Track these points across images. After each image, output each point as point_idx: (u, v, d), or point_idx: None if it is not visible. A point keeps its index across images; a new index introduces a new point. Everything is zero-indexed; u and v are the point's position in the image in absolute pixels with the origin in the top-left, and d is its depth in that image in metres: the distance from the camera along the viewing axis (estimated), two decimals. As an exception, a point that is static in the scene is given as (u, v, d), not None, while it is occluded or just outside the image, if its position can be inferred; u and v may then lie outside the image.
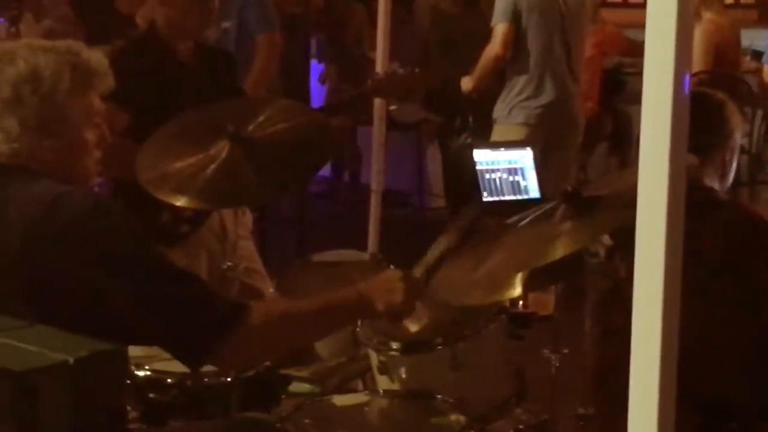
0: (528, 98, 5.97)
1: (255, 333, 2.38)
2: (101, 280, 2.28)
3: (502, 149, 4.56)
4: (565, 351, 3.00)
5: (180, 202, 3.16)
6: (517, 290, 2.72)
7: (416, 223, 8.09)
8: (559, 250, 2.53)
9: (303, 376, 3.03)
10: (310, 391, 2.99)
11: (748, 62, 8.40)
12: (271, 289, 3.95)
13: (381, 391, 2.90)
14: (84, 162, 2.49)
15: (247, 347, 2.40)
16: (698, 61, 7.04)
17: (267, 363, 2.87)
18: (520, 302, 3.17)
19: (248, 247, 4.25)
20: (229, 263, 3.72)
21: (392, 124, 5.68)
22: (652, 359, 1.50)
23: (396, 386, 2.89)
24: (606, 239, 2.68)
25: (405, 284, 2.61)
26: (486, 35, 6.07)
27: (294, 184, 4.18)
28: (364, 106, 4.98)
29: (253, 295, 3.83)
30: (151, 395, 2.83)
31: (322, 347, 3.34)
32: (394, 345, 2.90)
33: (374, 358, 2.95)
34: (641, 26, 1.52)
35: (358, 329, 3.02)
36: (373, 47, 5.46)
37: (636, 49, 7.52)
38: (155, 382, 2.84)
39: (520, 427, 3.03)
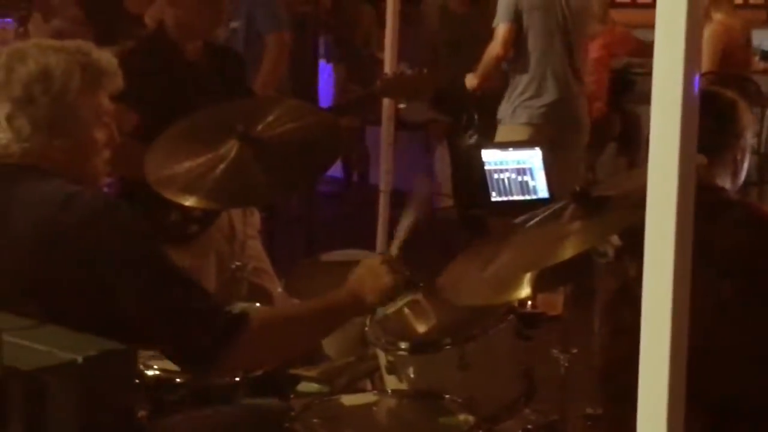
0: (530, 98, 5.98)
1: (254, 341, 2.42)
2: (109, 279, 2.29)
3: (511, 149, 4.55)
4: (574, 351, 3.00)
5: (189, 201, 3.17)
6: (526, 291, 2.72)
7: (425, 222, 8.08)
8: (568, 250, 2.53)
9: (311, 375, 3.03)
10: (319, 391, 2.99)
11: (756, 62, 8.39)
12: (280, 289, 3.96)
13: (389, 391, 2.90)
14: (93, 162, 2.50)
15: (246, 355, 2.44)
16: (705, 63, 7.03)
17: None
18: (529, 302, 3.17)
19: (256, 246, 4.26)
20: (238, 263, 3.73)
21: (401, 124, 5.68)
22: (662, 359, 1.49)
23: (404, 386, 2.89)
24: (615, 239, 2.68)
25: (388, 266, 2.67)
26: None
27: (302, 184, 4.18)
28: (372, 106, 4.99)
29: (261, 295, 3.83)
30: (160, 394, 2.83)
31: (330, 347, 3.34)
32: (403, 345, 2.90)
33: (383, 358, 2.94)
34: (650, 26, 1.51)
35: (366, 329, 3.01)
36: (382, 47, 5.46)
37: (645, 50, 7.52)
38: (164, 381, 2.84)
39: (529, 427, 3.03)
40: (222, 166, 3.16)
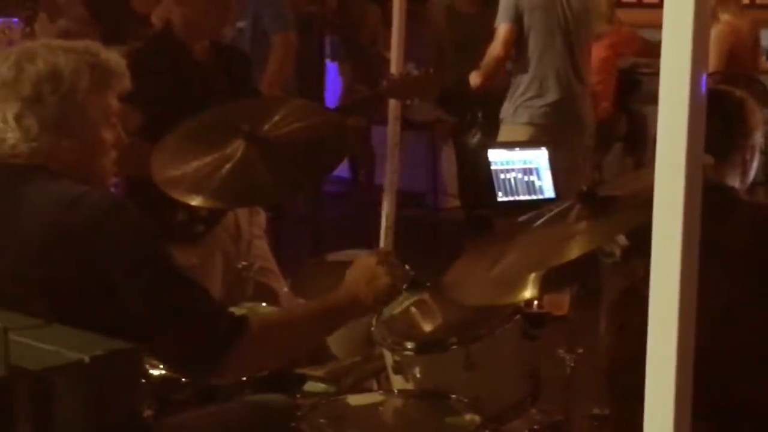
0: (531, 98, 5.99)
1: (254, 344, 2.42)
2: (114, 279, 2.29)
3: (517, 149, 4.55)
4: (580, 351, 3.00)
5: (195, 201, 3.17)
6: (532, 291, 2.71)
7: (431, 223, 8.09)
8: (575, 250, 2.53)
9: (318, 375, 3.03)
10: (325, 391, 2.99)
11: (764, 62, 8.38)
12: (286, 289, 3.96)
13: (396, 391, 2.90)
14: (101, 162, 2.50)
15: (246, 358, 2.44)
16: (712, 63, 7.03)
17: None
18: (535, 302, 3.17)
19: (262, 246, 4.26)
20: (244, 263, 3.74)
21: (406, 123, 5.67)
22: (668, 359, 1.49)
23: (411, 386, 2.89)
24: (621, 239, 2.67)
25: (384, 266, 2.67)
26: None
27: (309, 184, 4.19)
28: (378, 106, 4.99)
29: (267, 295, 3.84)
30: (166, 394, 2.83)
31: (336, 347, 3.34)
32: (409, 345, 2.90)
33: (389, 358, 2.95)
34: (657, 26, 1.51)
35: (373, 329, 3.02)
36: (388, 47, 5.45)
37: (651, 50, 7.51)
38: (170, 380, 2.84)
39: (535, 427, 3.03)
40: (228, 166, 3.16)
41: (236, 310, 2.67)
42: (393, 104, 5.00)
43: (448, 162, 8.36)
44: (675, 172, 1.48)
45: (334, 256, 3.89)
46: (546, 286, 2.70)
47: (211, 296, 2.46)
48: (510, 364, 2.94)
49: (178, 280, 2.39)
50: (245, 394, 2.86)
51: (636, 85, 8.11)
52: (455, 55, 7.27)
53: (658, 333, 1.50)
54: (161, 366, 2.85)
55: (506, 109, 6.09)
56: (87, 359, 1.89)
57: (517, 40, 5.98)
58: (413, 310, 3.03)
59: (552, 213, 2.78)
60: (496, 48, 6.01)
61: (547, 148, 4.56)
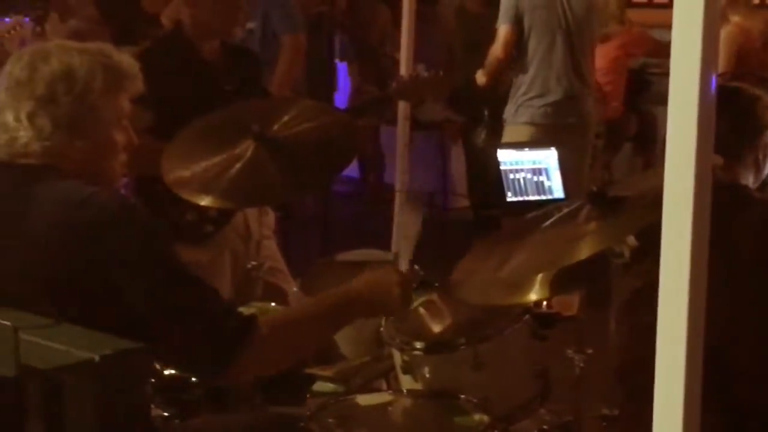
0: (532, 98, 5.99)
1: (263, 344, 2.41)
2: (123, 279, 2.29)
3: (526, 149, 4.56)
4: (589, 351, 3.00)
5: (204, 201, 3.17)
6: (542, 292, 2.71)
7: (440, 223, 8.08)
8: (584, 251, 2.52)
9: (327, 375, 3.03)
10: (334, 391, 2.99)
11: (774, 63, 8.35)
12: (295, 289, 3.96)
13: (405, 391, 2.90)
14: (111, 163, 2.51)
15: (255, 358, 2.42)
16: (720, 65, 7.00)
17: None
18: (544, 302, 3.16)
19: (271, 246, 4.27)
20: (253, 262, 3.74)
21: (416, 124, 5.68)
22: (678, 359, 1.49)
23: (419, 386, 2.89)
24: (631, 240, 2.67)
25: (401, 287, 2.68)
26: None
27: (318, 184, 4.19)
28: (387, 107, 4.99)
29: (276, 295, 3.84)
30: (177, 394, 2.84)
31: (346, 346, 3.35)
32: (418, 345, 2.90)
33: (398, 358, 2.95)
34: (667, 26, 1.51)
35: (382, 329, 3.02)
36: (398, 47, 5.46)
37: (661, 50, 7.50)
38: (180, 380, 2.84)
39: (544, 427, 3.03)
40: (238, 166, 3.17)
41: (245, 310, 2.67)
42: (402, 105, 5.01)
43: (458, 162, 8.36)
44: (684, 172, 1.48)
45: (343, 256, 3.90)
46: (555, 287, 2.71)
47: (220, 296, 2.46)
48: (519, 364, 2.94)
49: (187, 279, 2.39)
50: (255, 395, 2.86)
51: (646, 86, 8.10)
52: (465, 55, 7.27)
53: (668, 333, 1.50)
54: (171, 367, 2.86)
55: (508, 109, 6.10)
56: (97, 358, 1.89)
57: (518, 40, 5.98)
58: (422, 310, 3.03)
59: (561, 213, 2.77)
60: (496, 49, 6.02)
61: (557, 149, 4.57)
